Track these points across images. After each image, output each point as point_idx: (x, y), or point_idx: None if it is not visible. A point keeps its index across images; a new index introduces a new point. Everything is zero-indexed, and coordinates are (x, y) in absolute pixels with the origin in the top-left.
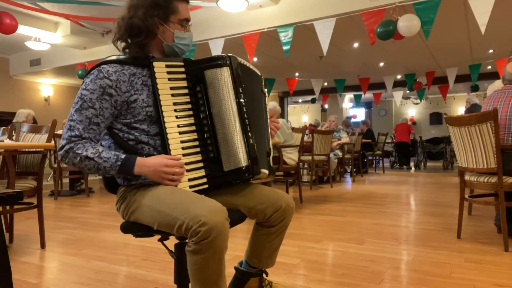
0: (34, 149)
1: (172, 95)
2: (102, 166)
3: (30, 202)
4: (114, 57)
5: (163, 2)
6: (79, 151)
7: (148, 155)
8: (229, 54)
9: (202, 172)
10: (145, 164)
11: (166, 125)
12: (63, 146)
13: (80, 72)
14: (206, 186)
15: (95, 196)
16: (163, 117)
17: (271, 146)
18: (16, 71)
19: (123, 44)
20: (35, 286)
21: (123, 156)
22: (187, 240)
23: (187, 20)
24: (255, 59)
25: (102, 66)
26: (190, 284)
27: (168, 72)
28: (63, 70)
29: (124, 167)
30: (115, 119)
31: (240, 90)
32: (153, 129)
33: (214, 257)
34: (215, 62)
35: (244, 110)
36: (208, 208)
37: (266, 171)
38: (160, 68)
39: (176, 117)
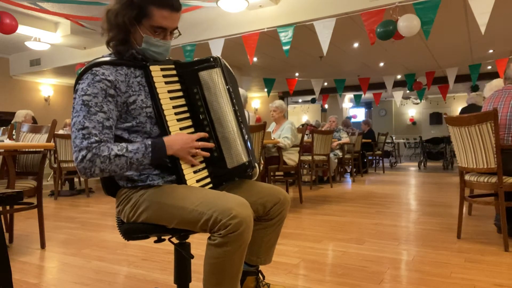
0: (34, 149)
1: (171, 98)
2: (134, 159)
3: (30, 202)
4: (104, 59)
5: (138, 3)
6: (105, 153)
7: None
8: (217, 56)
9: (205, 172)
10: (173, 143)
11: (170, 129)
12: (84, 157)
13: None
14: (211, 185)
15: (95, 196)
16: (166, 121)
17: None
18: (16, 71)
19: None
20: (35, 286)
21: (149, 142)
22: (210, 235)
23: (162, 28)
24: (255, 59)
25: (94, 68)
26: (203, 280)
27: (164, 76)
28: (63, 70)
29: (156, 152)
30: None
31: (231, 90)
32: (155, 131)
33: (239, 250)
34: (208, 63)
35: (237, 108)
36: (237, 202)
37: (257, 168)
38: (156, 72)
39: (177, 120)
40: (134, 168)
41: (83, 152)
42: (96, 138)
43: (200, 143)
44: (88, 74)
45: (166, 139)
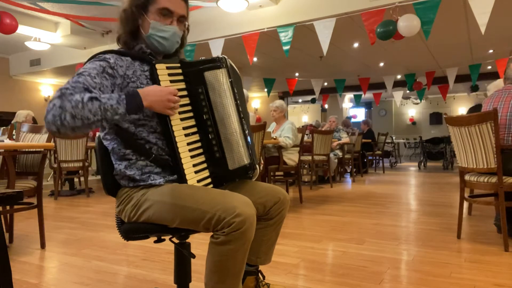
0: (34, 149)
1: None
2: (108, 105)
3: (30, 202)
4: (111, 49)
5: None
6: (77, 97)
7: (158, 155)
8: (223, 56)
9: (207, 173)
10: (148, 93)
11: (174, 128)
12: (54, 104)
13: None
14: (211, 185)
15: (95, 196)
16: (170, 120)
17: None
18: (16, 71)
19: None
20: (35, 286)
21: (122, 92)
22: (213, 233)
23: (169, 10)
24: (255, 59)
25: (99, 54)
26: (205, 278)
27: (169, 74)
28: (63, 70)
29: (132, 100)
30: None
31: (235, 91)
32: (160, 127)
33: (242, 248)
34: (214, 63)
35: (240, 109)
36: (240, 200)
37: (258, 169)
38: (162, 70)
39: (181, 119)
40: (109, 116)
41: (54, 101)
42: (71, 91)
43: (177, 97)
44: (93, 58)
45: (140, 90)
